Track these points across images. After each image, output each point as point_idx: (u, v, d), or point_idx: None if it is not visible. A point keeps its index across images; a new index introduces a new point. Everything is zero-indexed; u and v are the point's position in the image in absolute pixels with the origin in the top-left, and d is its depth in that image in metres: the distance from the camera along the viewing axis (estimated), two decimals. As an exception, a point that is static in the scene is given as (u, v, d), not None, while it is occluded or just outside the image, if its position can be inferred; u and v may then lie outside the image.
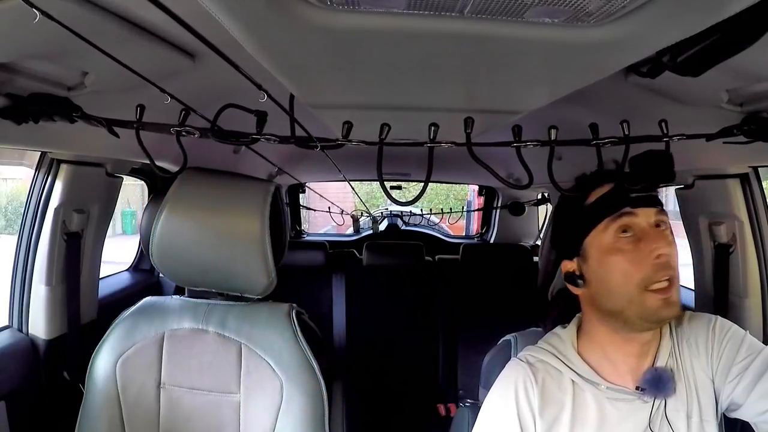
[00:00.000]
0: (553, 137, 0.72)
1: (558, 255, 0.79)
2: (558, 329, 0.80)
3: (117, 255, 1.88)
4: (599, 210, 0.70)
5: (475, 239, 3.17)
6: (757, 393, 0.66)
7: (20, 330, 1.10)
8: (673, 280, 0.66)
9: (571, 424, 0.70)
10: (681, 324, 0.75)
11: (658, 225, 0.69)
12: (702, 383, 0.71)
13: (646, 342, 0.71)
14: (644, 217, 0.68)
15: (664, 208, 0.71)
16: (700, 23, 0.38)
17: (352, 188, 3.05)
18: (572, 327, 0.78)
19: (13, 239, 1.14)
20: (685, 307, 0.76)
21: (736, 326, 0.73)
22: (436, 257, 2.35)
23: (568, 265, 0.75)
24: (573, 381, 0.72)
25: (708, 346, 0.72)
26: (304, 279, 2.16)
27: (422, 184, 0.73)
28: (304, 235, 3.17)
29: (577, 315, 0.79)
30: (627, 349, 0.71)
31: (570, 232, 0.75)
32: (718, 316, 0.75)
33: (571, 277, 0.74)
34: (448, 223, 4.12)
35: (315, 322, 1.02)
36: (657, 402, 0.69)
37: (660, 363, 0.71)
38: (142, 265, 1.75)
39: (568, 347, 0.75)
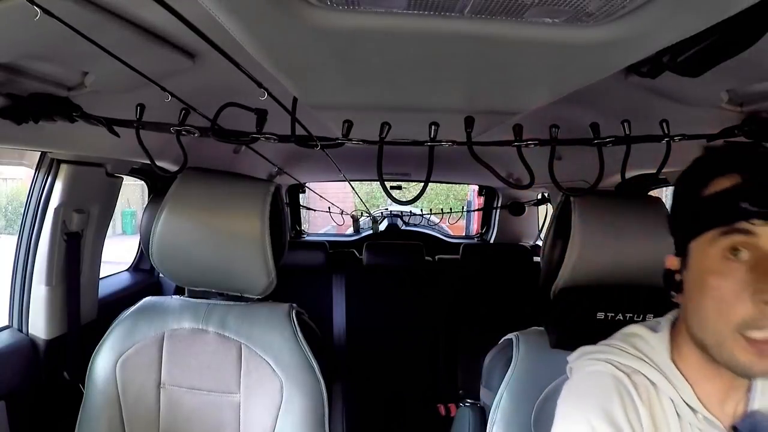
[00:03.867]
0: (553, 136, 0.72)
1: (674, 241, 0.61)
2: (641, 330, 0.64)
3: (117, 255, 1.88)
4: (709, 213, 0.54)
5: (475, 239, 3.17)
6: None
7: (20, 330, 1.10)
8: None
9: None
10: None
11: None
12: None
13: (743, 381, 0.59)
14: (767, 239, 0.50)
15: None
16: (700, 23, 0.38)
17: (352, 188, 3.05)
18: (665, 331, 0.62)
19: (13, 239, 1.14)
20: None
21: None
22: (436, 257, 2.35)
23: (671, 262, 0.60)
24: (671, 399, 0.59)
25: None
26: (304, 279, 2.16)
27: (422, 184, 0.73)
28: (304, 235, 3.17)
29: (668, 317, 0.64)
30: (723, 382, 0.58)
31: (679, 223, 0.60)
32: None
33: (669, 277, 0.60)
34: (448, 223, 4.12)
35: (315, 322, 1.02)
36: None
37: (756, 405, 0.59)
38: (142, 265, 1.75)
39: (663, 357, 0.60)
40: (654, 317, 0.68)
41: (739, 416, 0.58)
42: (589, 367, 0.63)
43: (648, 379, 0.60)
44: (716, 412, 0.58)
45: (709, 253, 0.53)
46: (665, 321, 0.64)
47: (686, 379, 0.59)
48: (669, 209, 0.64)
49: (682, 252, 0.58)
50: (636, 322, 0.69)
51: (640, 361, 0.60)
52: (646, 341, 0.62)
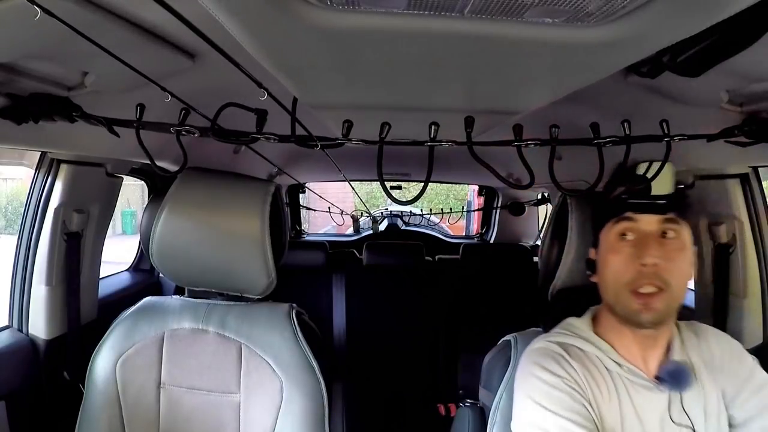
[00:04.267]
0: (554, 136, 0.72)
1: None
2: (571, 319, 0.82)
3: (117, 255, 1.88)
4: (608, 209, 0.76)
5: (475, 239, 3.17)
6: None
7: (20, 330, 1.10)
8: (663, 289, 0.68)
9: (608, 401, 0.72)
10: (693, 331, 0.78)
11: (665, 233, 0.71)
12: (712, 388, 0.73)
13: (650, 336, 0.74)
14: (645, 223, 0.71)
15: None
16: (700, 23, 0.38)
17: (352, 188, 3.05)
18: (587, 315, 0.81)
19: (13, 239, 1.13)
20: (685, 308, 0.77)
21: (748, 355, 0.76)
22: (436, 257, 2.35)
23: (591, 252, 0.81)
24: (598, 358, 0.75)
25: (724, 363, 0.74)
26: (304, 279, 2.16)
27: (422, 184, 0.73)
28: (304, 235, 3.17)
29: (591, 308, 0.83)
30: (636, 339, 0.74)
31: (594, 220, 0.81)
32: (734, 339, 0.78)
33: (589, 264, 0.80)
34: (448, 223, 4.12)
35: (315, 322, 1.02)
36: (673, 394, 0.71)
37: (675, 357, 0.74)
38: (142, 265, 1.75)
39: (586, 330, 0.78)
40: None
41: (660, 366, 0.73)
42: (529, 348, 0.80)
43: (577, 347, 0.77)
44: (640, 365, 0.74)
45: (609, 236, 0.75)
46: (589, 309, 0.83)
47: (607, 342, 0.76)
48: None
49: (595, 242, 0.79)
50: None
51: (570, 336, 0.78)
52: (573, 324, 0.81)
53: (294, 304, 1.00)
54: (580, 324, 0.80)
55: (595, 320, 0.80)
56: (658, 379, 0.72)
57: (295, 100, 0.71)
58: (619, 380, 0.73)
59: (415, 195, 0.76)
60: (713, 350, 0.76)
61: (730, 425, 0.72)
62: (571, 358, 0.74)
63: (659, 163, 0.75)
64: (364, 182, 5.70)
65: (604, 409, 0.71)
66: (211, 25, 0.42)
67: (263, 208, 0.92)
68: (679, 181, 1.13)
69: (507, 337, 0.91)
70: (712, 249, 1.09)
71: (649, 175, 0.75)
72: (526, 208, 2.66)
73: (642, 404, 0.71)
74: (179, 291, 1.07)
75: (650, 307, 0.69)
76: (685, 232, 0.73)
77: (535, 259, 2.21)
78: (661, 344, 0.75)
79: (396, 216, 3.43)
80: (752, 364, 0.75)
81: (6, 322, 1.12)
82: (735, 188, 1.03)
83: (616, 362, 0.74)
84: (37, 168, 1.09)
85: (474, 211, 3.59)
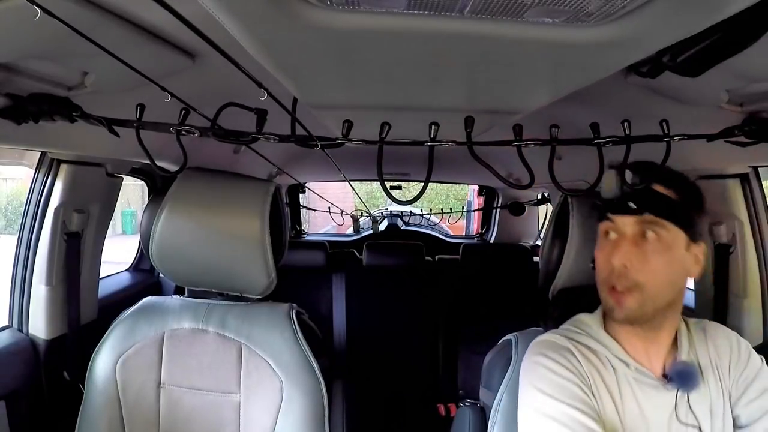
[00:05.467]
0: (554, 136, 0.72)
1: None
2: (582, 315, 0.82)
3: (117, 255, 1.88)
4: (598, 209, 0.77)
5: (475, 239, 3.17)
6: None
7: (20, 330, 1.10)
8: (632, 289, 0.69)
9: (611, 400, 0.72)
10: (702, 330, 0.79)
11: (644, 233, 0.71)
12: (718, 389, 0.73)
13: (650, 333, 0.74)
14: (622, 224, 0.72)
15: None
16: (700, 23, 0.38)
17: (352, 188, 3.05)
18: (598, 312, 0.81)
19: (13, 239, 1.13)
20: (685, 308, 0.77)
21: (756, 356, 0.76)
22: (436, 257, 2.35)
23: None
24: (606, 357, 0.75)
25: (731, 364, 0.75)
26: (304, 279, 2.16)
27: (422, 184, 0.73)
28: (304, 235, 3.17)
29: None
30: (637, 335, 0.75)
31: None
32: (742, 339, 0.78)
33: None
34: (448, 223, 4.12)
35: (315, 322, 1.02)
36: (680, 393, 0.71)
37: (683, 357, 0.74)
38: (142, 265, 1.75)
39: (596, 327, 0.78)
40: None
41: (669, 365, 0.74)
42: (537, 339, 0.80)
43: (583, 344, 0.76)
44: (646, 364, 0.74)
45: (599, 234, 0.76)
46: (600, 307, 0.81)
47: (616, 341, 0.75)
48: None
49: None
50: None
51: (578, 333, 0.78)
52: (583, 320, 0.80)
53: (294, 304, 1.00)
54: (591, 321, 0.79)
55: (605, 316, 0.80)
56: (666, 378, 0.72)
57: (295, 100, 0.71)
58: (624, 379, 0.73)
59: (415, 195, 0.76)
60: (721, 350, 0.76)
61: (735, 426, 0.73)
62: (577, 352, 0.75)
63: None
64: (364, 182, 5.70)
65: (608, 408, 0.71)
66: (211, 25, 0.42)
67: (263, 208, 0.92)
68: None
69: (507, 337, 0.91)
70: (712, 249, 1.09)
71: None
72: (526, 208, 2.66)
73: (648, 403, 0.71)
74: (179, 291, 1.07)
75: (622, 305, 0.70)
76: (670, 234, 0.71)
77: (535, 259, 2.21)
78: (665, 343, 0.75)
79: (396, 216, 3.43)
80: (759, 365, 0.75)
81: (6, 322, 1.12)
82: (735, 188, 1.03)
83: (623, 361, 0.74)
84: (37, 168, 1.09)
85: (474, 211, 3.60)
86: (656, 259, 0.70)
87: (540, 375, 0.72)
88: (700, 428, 0.70)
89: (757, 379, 0.73)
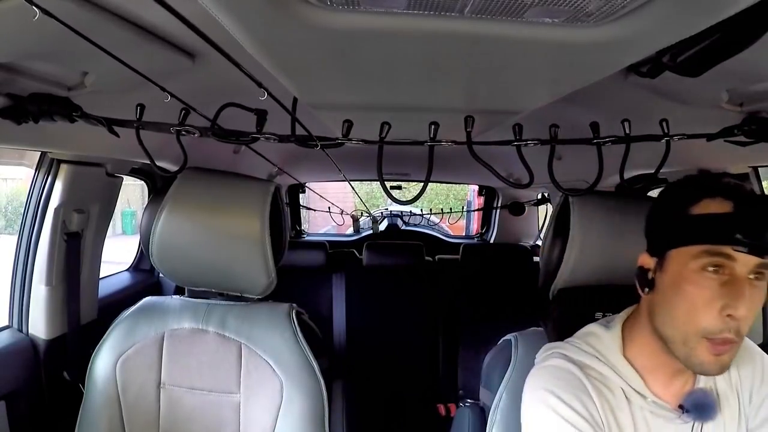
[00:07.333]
0: (553, 136, 0.72)
1: (648, 242, 0.69)
2: (597, 328, 0.73)
3: (117, 255, 1.88)
4: (698, 233, 0.60)
5: (475, 239, 3.17)
6: None
7: (20, 330, 1.10)
8: (736, 342, 0.59)
9: None
10: None
11: (758, 274, 0.59)
12: (736, 417, 0.69)
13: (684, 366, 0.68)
14: (742, 264, 0.58)
15: None
16: (700, 23, 0.38)
17: (353, 188, 3.05)
18: (617, 328, 0.71)
19: (13, 239, 1.13)
20: None
21: None
22: (436, 257, 2.35)
23: (646, 260, 0.67)
24: (621, 388, 0.68)
25: (753, 389, 0.69)
26: (304, 279, 2.16)
27: (422, 184, 0.73)
28: (304, 235, 3.17)
29: (622, 315, 0.73)
30: (671, 365, 0.67)
31: (662, 230, 0.66)
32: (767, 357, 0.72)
33: (642, 275, 0.67)
34: (448, 223, 4.12)
35: (315, 322, 1.02)
36: (697, 424, 0.67)
37: (701, 384, 0.69)
38: (142, 265, 1.75)
39: (614, 351, 0.69)
40: None
41: (685, 394, 0.67)
42: (545, 362, 0.72)
43: (598, 372, 0.69)
44: (662, 394, 0.67)
45: (690, 263, 0.60)
46: (618, 319, 0.72)
47: (636, 369, 0.68)
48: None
49: (659, 254, 0.65)
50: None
51: (592, 357, 0.70)
52: (599, 338, 0.71)
53: (294, 304, 1.00)
54: (609, 341, 0.70)
55: (626, 333, 0.70)
56: (682, 408, 0.67)
57: (295, 100, 0.71)
58: (639, 413, 0.67)
59: (415, 195, 0.76)
60: (743, 372, 0.70)
61: None
62: (590, 385, 0.67)
63: None
64: (364, 182, 5.70)
65: None
66: (211, 25, 0.42)
67: (263, 208, 0.92)
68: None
69: (507, 337, 0.91)
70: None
71: None
72: (526, 208, 2.66)
73: None
74: (179, 291, 1.07)
75: (721, 361, 0.60)
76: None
77: (535, 259, 2.21)
78: (691, 372, 0.67)
79: (396, 216, 3.42)
80: None
81: (6, 322, 1.12)
82: (735, 188, 1.03)
83: (641, 394, 0.67)
84: (37, 168, 1.09)
85: (474, 211, 3.59)
86: (758, 306, 0.60)
87: (548, 419, 0.65)
88: None
89: None
